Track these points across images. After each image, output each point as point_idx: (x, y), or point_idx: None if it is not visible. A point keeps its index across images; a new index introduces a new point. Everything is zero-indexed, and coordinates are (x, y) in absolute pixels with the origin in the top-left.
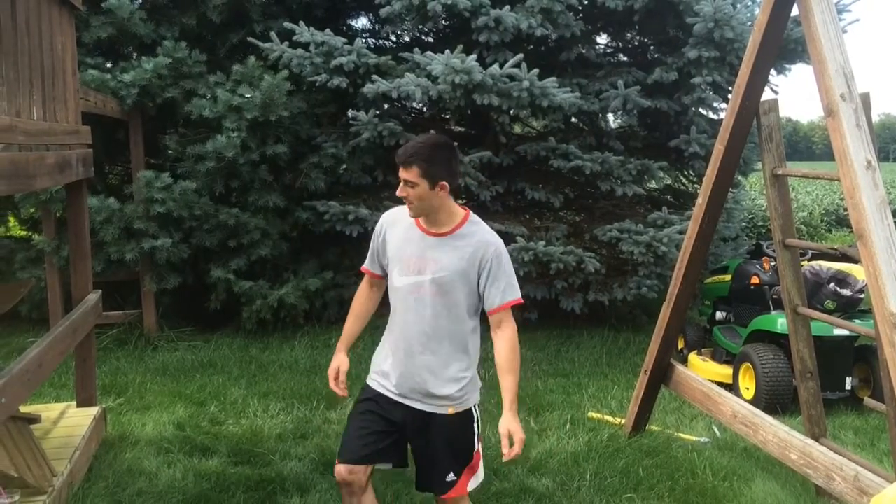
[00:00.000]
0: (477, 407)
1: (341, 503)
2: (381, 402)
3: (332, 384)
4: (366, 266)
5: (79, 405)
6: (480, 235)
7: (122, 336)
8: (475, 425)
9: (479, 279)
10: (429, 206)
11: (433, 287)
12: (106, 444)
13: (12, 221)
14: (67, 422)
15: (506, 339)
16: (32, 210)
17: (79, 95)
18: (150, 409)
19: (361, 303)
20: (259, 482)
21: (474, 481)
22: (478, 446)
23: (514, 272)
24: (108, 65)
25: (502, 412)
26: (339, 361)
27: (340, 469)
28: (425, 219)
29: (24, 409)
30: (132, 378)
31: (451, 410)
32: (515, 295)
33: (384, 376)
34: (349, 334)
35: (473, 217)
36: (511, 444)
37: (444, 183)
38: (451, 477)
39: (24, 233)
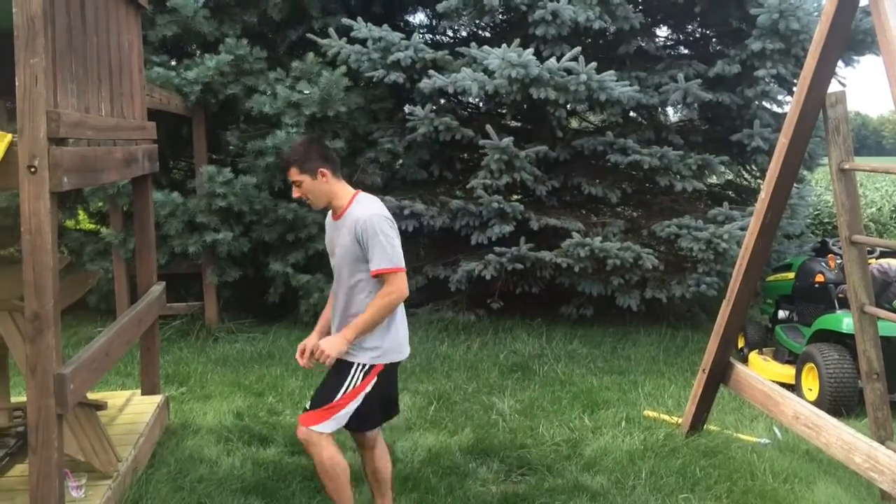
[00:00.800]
0: (361, 366)
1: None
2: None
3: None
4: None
5: (143, 393)
6: (355, 213)
7: (184, 327)
8: (349, 380)
9: (365, 252)
10: (321, 194)
11: (340, 265)
12: (168, 431)
13: (81, 215)
14: (132, 409)
15: (377, 298)
16: (100, 204)
17: (144, 92)
18: (211, 398)
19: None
20: (314, 472)
21: (324, 426)
22: (340, 398)
23: (390, 241)
24: (173, 62)
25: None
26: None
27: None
28: (331, 207)
29: (91, 395)
30: (194, 368)
31: (350, 358)
32: (384, 265)
33: None
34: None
35: (358, 196)
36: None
37: (323, 170)
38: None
39: (92, 226)
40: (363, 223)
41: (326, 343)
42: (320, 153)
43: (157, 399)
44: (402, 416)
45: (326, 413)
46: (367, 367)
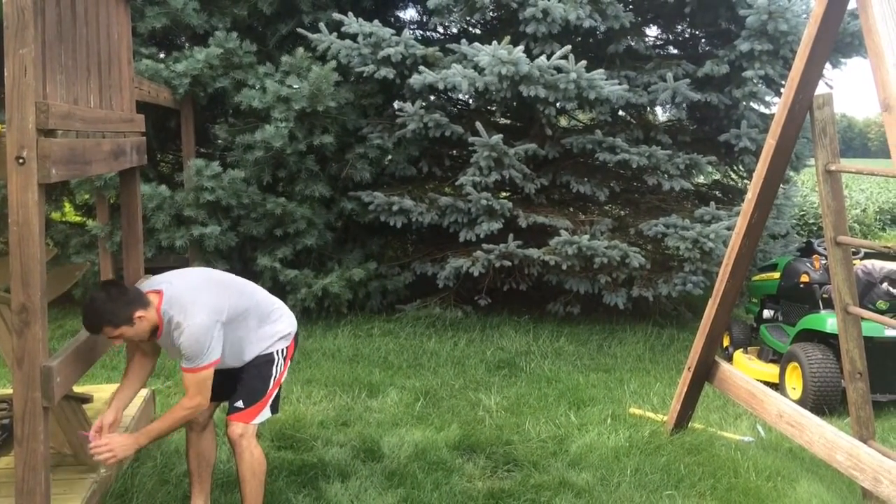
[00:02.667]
0: (280, 352)
1: (186, 442)
2: None
3: None
4: None
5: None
6: (174, 321)
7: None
8: (275, 368)
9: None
10: (144, 331)
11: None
12: None
13: (67, 207)
14: None
15: (178, 403)
16: (87, 196)
17: (133, 84)
18: None
19: None
20: (301, 467)
21: (260, 417)
22: (272, 387)
23: (197, 344)
24: (162, 55)
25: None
26: None
27: None
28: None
29: (77, 388)
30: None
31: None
32: (189, 364)
33: None
34: None
35: (163, 310)
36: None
37: (139, 313)
38: (239, 403)
39: (78, 218)
40: (180, 330)
41: (118, 441)
42: (124, 302)
43: (143, 393)
44: (388, 411)
45: (262, 405)
46: (284, 351)
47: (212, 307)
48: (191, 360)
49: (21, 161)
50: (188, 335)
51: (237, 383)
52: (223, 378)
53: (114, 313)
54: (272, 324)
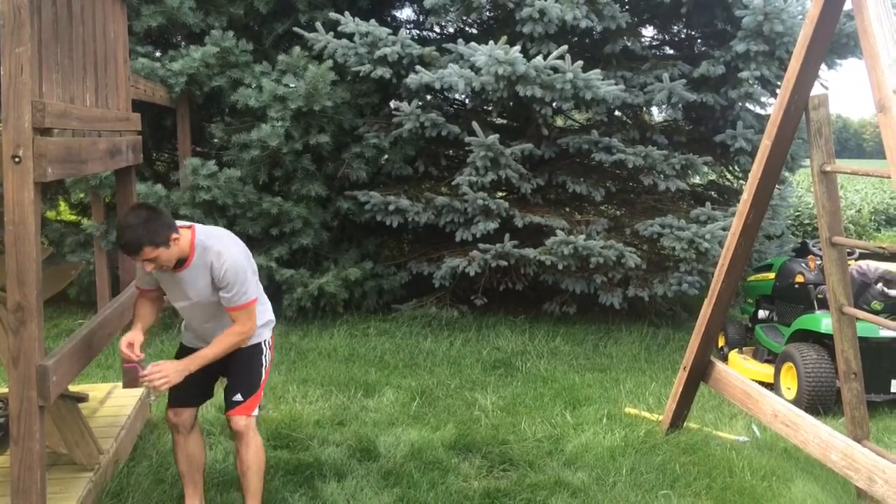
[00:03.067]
0: (266, 342)
1: (174, 445)
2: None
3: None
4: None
5: (124, 386)
6: (211, 254)
7: (166, 320)
8: (262, 357)
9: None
10: (174, 257)
11: (198, 305)
12: (150, 424)
13: (62, 206)
14: (113, 402)
15: (229, 329)
16: (82, 195)
17: (129, 83)
18: None
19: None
20: (297, 466)
21: (257, 409)
22: (263, 377)
23: (241, 272)
24: (158, 53)
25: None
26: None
27: (168, 413)
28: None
29: (72, 387)
30: None
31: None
32: (239, 301)
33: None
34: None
35: (198, 239)
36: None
37: (174, 236)
38: (238, 397)
39: (73, 217)
40: (220, 263)
41: (168, 368)
42: (162, 223)
43: (138, 392)
44: (384, 411)
45: (258, 395)
46: (269, 341)
47: (246, 251)
48: (233, 291)
49: (17, 160)
50: (231, 263)
51: (229, 377)
52: (203, 377)
53: (155, 232)
54: (263, 307)
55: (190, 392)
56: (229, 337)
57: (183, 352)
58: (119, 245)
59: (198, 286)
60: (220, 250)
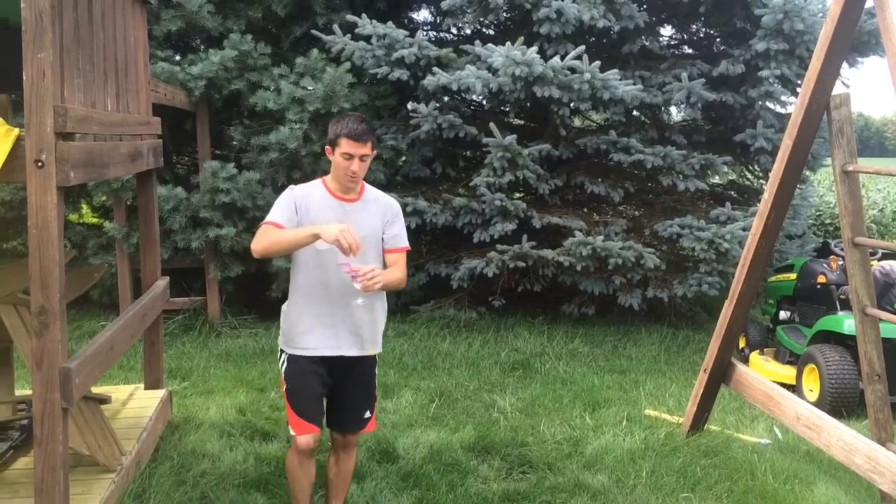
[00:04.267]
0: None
1: (295, 467)
2: (314, 365)
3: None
4: (278, 221)
5: (146, 387)
6: (384, 197)
7: (187, 322)
8: (375, 370)
9: (383, 232)
10: (365, 173)
11: (366, 247)
12: (171, 425)
13: (85, 209)
14: (135, 403)
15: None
16: (104, 198)
17: (149, 87)
18: (214, 393)
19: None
20: (317, 469)
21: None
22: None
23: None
24: (177, 57)
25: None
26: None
27: (309, 439)
28: (341, 188)
29: (95, 389)
30: (196, 363)
31: (371, 351)
32: (405, 243)
33: (306, 342)
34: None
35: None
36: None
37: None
38: (367, 414)
39: (95, 220)
40: (395, 207)
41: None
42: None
43: (160, 393)
44: (403, 412)
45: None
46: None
47: None
48: (401, 227)
49: (40, 164)
50: (400, 213)
51: (352, 394)
52: (336, 396)
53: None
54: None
55: (320, 412)
56: (399, 273)
57: (306, 364)
58: (352, 129)
59: (368, 219)
60: (392, 202)
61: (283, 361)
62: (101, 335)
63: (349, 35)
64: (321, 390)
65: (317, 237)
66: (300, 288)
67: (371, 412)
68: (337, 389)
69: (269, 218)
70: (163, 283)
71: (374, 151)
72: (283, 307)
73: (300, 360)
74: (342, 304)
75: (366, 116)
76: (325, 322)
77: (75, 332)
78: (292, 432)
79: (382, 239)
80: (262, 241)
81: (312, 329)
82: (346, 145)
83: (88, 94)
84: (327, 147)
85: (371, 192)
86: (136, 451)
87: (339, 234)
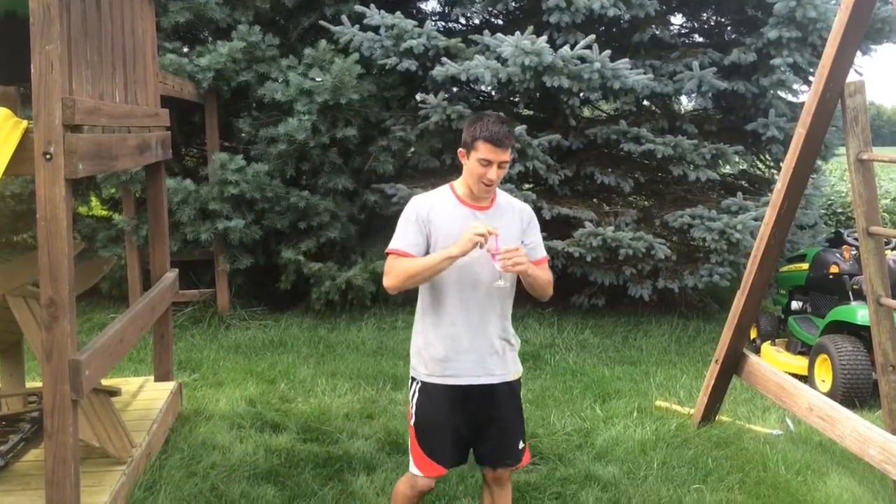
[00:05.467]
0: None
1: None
2: (453, 397)
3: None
4: (404, 248)
5: (156, 380)
6: (516, 202)
7: (196, 314)
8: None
9: (521, 242)
10: (500, 179)
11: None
12: (181, 417)
13: (94, 201)
14: (145, 395)
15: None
16: (113, 190)
17: (158, 79)
18: (223, 385)
19: None
20: (327, 459)
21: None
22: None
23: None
24: (185, 49)
25: None
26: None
27: (432, 482)
28: (473, 196)
29: (105, 381)
30: (206, 355)
31: (515, 375)
32: (544, 252)
33: (442, 367)
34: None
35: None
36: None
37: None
38: (521, 445)
39: (105, 212)
40: (531, 211)
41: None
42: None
43: (170, 385)
44: None
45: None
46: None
47: None
48: (539, 237)
49: (48, 156)
50: (535, 218)
51: (508, 420)
52: (460, 437)
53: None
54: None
55: (452, 451)
56: (547, 274)
57: (443, 395)
58: (493, 133)
59: (505, 229)
60: (524, 206)
61: (415, 391)
62: (110, 327)
63: (357, 26)
64: (458, 426)
65: (453, 258)
66: (433, 308)
67: (524, 442)
68: (483, 422)
69: (393, 245)
70: (172, 275)
71: (511, 157)
72: (415, 329)
73: (436, 390)
74: (482, 324)
75: (507, 117)
76: (464, 347)
77: (85, 325)
78: (415, 470)
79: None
80: (395, 279)
81: (452, 355)
82: (484, 150)
83: (96, 85)
84: (460, 150)
85: (503, 197)
86: (146, 443)
87: (472, 237)
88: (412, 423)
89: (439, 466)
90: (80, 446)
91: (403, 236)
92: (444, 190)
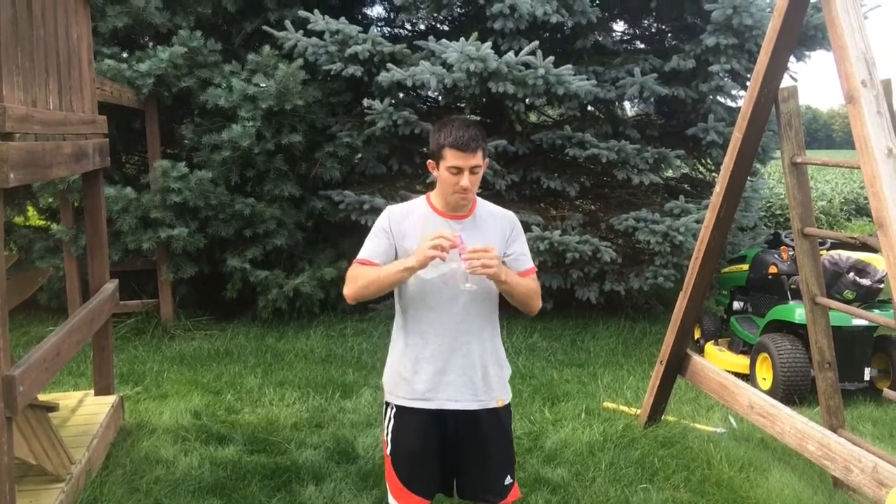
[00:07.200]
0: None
1: None
2: (428, 421)
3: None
4: (367, 257)
5: (96, 393)
6: (498, 210)
7: (139, 325)
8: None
9: (505, 253)
10: (476, 187)
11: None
12: (123, 432)
13: (31, 211)
14: (85, 410)
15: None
16: (50, 199)
17: (95, 85)
18: (167, 397)
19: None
20: (275, 470)
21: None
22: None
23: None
24: (124, 54)
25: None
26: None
27: None
28: (449, 205)
29: (42, 397)
30: (149, 367)
31: (500, 402)
32: (531, 263)
33: (417, 390)
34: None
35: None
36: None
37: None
38: (508, 480)
39: (42, 222)
40: (512, 220)
41: (495, 258)
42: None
43: (111, 399)
44: (363, 411)
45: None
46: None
47: None
48: (525, 247)
49: None
50: (520, 227)
51: (489, 458)
52: (442, 465)
53: (486, 140)
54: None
55: (433, 481)
56: (532, 283)
57: (417, 420)
58: (458, 138)
59: (484, 240)
60: (507, 213)
61: (389, 417)
62: (46, 341)
63: (301, 31)
64: (438, 454)
65: (411, 270)
66: (408, 326)
67: (512, 477)
68: (463, 452)
69: (360, 254)
70: (111, 285)
71: (487, 161)
72: (391, 349)
73: (411, 415)
74: (460, 344)
75: (473, 119)
76: (439, 367)
77: (22, 339)
78: (394, 502)
79: (503, 262)
80: (353, 286)
81: (427, 377)
82: (452, 157)
83: (29, 92)
84: (429, 161)
85: (484, 206)
86: (86, 459)
87: (428, 247)
88: (387, 451)
89: (418, 497)
90: (15, 465)
91: (370, 245)
92: (420, 200)
